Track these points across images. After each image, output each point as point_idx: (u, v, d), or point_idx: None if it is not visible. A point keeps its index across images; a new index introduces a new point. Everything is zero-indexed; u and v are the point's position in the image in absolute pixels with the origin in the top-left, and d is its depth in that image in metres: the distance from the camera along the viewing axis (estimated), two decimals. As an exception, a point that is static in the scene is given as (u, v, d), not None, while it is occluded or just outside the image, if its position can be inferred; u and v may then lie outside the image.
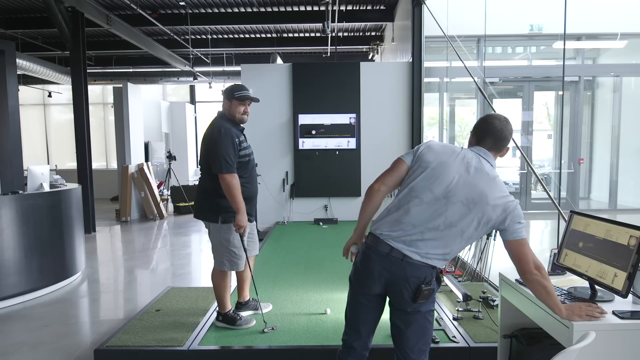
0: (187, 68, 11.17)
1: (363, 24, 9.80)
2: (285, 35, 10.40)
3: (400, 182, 1.94)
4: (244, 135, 3.14)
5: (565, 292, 2.02)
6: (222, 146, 2.91)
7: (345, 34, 10.49)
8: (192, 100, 14.58)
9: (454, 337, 2.97)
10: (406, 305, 1.85)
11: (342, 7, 8.37)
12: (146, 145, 10.43)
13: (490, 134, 1.91)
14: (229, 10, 8.64)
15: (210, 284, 3.25)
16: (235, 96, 3.04)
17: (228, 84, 12.67)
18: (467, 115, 8.87)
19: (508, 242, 1.80)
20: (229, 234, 3.03)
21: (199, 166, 3.14)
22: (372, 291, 1.90)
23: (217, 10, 8.65)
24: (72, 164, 9.36)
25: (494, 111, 4.47)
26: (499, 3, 6.57)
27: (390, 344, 2.88)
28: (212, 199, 3.00)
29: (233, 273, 3.26)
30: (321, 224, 7.28)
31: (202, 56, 11.13)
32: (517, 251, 1.78)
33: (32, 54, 9.73)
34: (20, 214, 4.20)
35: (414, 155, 1.91)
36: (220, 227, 3.02)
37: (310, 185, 7.47)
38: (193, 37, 10.10)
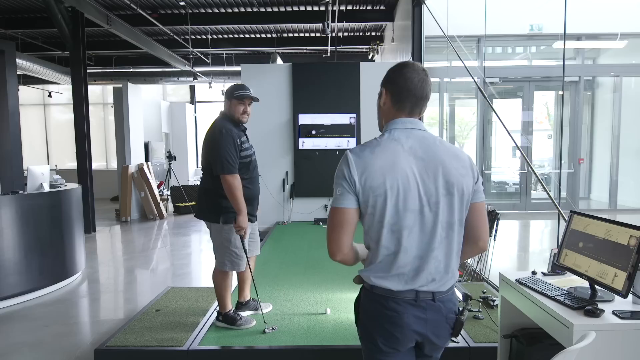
0: (187, 68, 11.17)
1: (363, 24, 9.80)
2: (285, 35, 10.40)
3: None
4: (246, 136, 3.14)
5: (565, 292, 2.02)
6: (223, 147, 2.90)
7: (345, 34, 10.49)
8: (192, 100, 14.58)
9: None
10: (443, 344, 1.55)
11: (342, 7, 8.38)
12: (146, 145, 10.44)
13: (411, 95, 1.50)
14: (229, 10, 8.64)
15: (211, 284, 3.25)
16: (234, 95, 3.03)
17: (228, 84, 12.69)
18: (467, 115, 8.87)
19: (477, 204, 1.51)
20: (230, 234, 3.02)
21: (201, 167, 3.13)
22: (404, 347, 1.50)
23: (217, 10, 8.65)
24: (72, 164, 9.36)
25: (495, 112, 4.47)
26: (499, 3, 6.57)
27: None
28: (214, 199, 3.00)
29: (234, 273, 3.26)
30: (321, 224, 7.28)
31: (202, 56, 11.13)
32: (482, 214, 1.53)
33: (32, 54, 9.73)
34: (20, 214, 4.20)
35: (353, 191, 1.44)
36: (222, 227, 3.02)
37: (310, 185, 7.47)
38: (193, 37, 10.11)
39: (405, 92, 1.50)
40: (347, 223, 1.45)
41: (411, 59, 7.13)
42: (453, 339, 1.58)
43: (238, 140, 2.98)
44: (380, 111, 1.59)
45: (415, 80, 1.50)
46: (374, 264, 1.48)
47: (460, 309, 1.55)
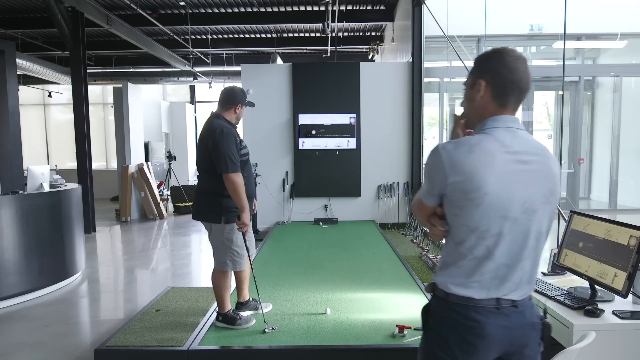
0: (187, 68, 11.17)
1: (363, 24, 9.80)
2: (285, 35, 10.40)
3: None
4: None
5: (565, 292, 2.02)
6: (226, 145, 2.93)
7: (345, 34, 10.49)
8: (192, 100, 14.58)
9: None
10: (533, 354, 1.41)
11: (342, 7, 8.38)
12: (146, 145, 10.44)
13: (516, 88, 1.32)
14: (229, 10, 8.64)
15: (210, 284, 3.25)
16: (247, 102, 3.20)
17: (228, 84, 12.69)
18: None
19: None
20: (231, 233, 3.04)
21: (197, 167, 3.15)
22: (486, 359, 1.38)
23: (217, 10, 8.65)
24: (72, 164, 9.36)
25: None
26: (499, 3, 6.57)
27: (390, 344, 2.89)
28: (214, 199, 3.01)
29: (232, 273, 3.26)
30: (321, 224, 7.28)
31: (202, 56, 11.13)
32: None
33: (32, 54, 9.73)
34: (20, 214, 4.20)
35: (438, 192, 1.35)
36: (223, 227, 3.03)
37: (310, 185, 7.47)
38: (193, 37, 10.11)
39: (509, 85, 1.32)
40: (425, 213, 1.42)
41: (411, 59, 7.13)
42: (542, 347, 1.42)
43: (237, 139, 3.04)
44: (474, 105, 1.39)
45: (521, 70, 1.32)
46: (452, 268, 1.35)
47: (544, 311, 1.44)
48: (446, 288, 1.35)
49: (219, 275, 3.15)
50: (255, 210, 3.44)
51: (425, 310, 1.45)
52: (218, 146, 2.93)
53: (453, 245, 1.36)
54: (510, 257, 1.31)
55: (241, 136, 3.22)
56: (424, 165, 1.39)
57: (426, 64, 7.17)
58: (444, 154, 1.30)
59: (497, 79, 1.32)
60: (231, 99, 3.12)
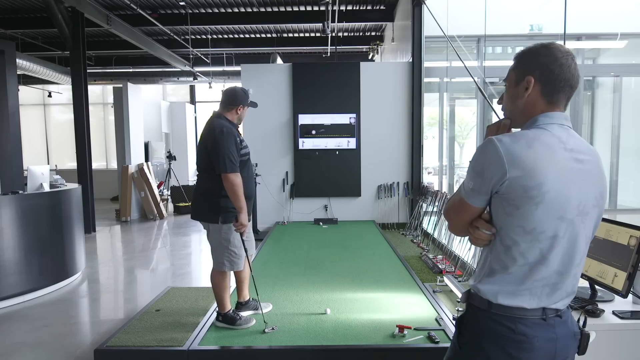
0: (187, 68, 11.17)
1: (363, 24, 9.80)
2: (285, 35, 10.40)
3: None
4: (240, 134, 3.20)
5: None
6: (225, 145, 2.93)
7: (345, 34, 10.49)
8: (192, 100, 14.58)
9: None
10: None
11: (342, 7, 8.38)
12: (146, 145, 10.44)
13: (567, 86, 1.25)
14: (229, 10, 8.64)
15: (210, 284, 3.25)
16: (250, 103, 3.19)
17: (228, 84, 12.69)
18: (467, 115, 8.87)
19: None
20: (229, 234, 3.03)
21: (197, 167, 3.15)
22: None
23: (217, 10, 8.65)
24: (72, 164, 9.37)
25: (495, 112, 4.46)
26: (499, 3, 6.57)
27: (390, 344, 2.89)
28: (212, 199, 3.01)
29: (232, 273, 3.26)
30: (321, 224, 7.28)
31: (202, 56, 11.13)
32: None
33: (32, 54, 9.73)
34: (20, 214, 4.20)
35: (488, 190, 1.23)
36: (221, 227, 3.02)
37: (310, 185, 7.47)
38: (193, 37, 10.11)
39: (561, 82, 1.24)
40: (469, 216, 1.30)
41: (411, 59, 7.13)
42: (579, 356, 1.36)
43: (238, 139, 3.03)
44: (519, 103, 1.30)
45: (572, 67, 1.24)
46: (502, 274, 1.24)
47: (579, 320, 1.37)
48: (493, 298, 1.24)
49: (217, 276, 3.15)
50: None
51: (460, 322, 1.34)
52: (217, 146, 2.93)
53: (503, 249, 1.24)
54: (564, 263, 1.23)
55: (242, 136, 3.23)
56: (469, 162, 1.28)
57: (426, 64, 7.16)
58: (500, 147, 1.18)
59: (548, 76, 1.25)
60: (233, 100, 3.12)
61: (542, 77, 1.25)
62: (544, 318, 1.23)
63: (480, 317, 1.27)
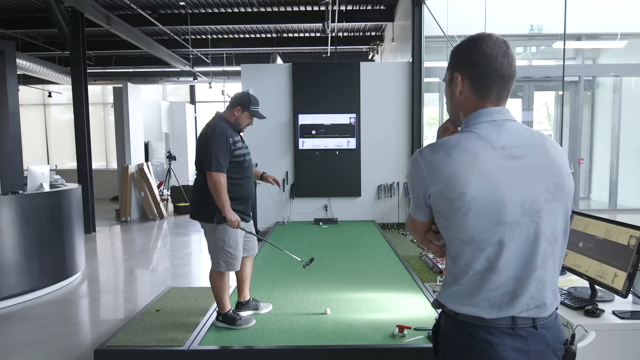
0: (187, 68, 11.17)
1: (363, 24, 9.80)
2: (285, 35, 10.40)
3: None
4: (241, 136, 3.18)
5: (565, 292, 2.02)
6: (215, 145, 2.93)
7: (345, 34, 10.49)
8: (192, 100, 14.58)
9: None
10: None
11: (342, 7, 8.38)
12: (146, 145, 10.43)
13: (497, 76, 1.17)
14: (229, 10, 8.64)
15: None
16: (250, 109, 3.12)
17: (228, 84, 12.69)
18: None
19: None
20: (224, 234, 3.03)
21: (195, 166, 3.15)
22: None
23: (217, 10, 8.65)
24: (72, 164, 9.37)
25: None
26: (499, 3, 6.57)
27: (390, 344, 2.89)
28: (207, 199, 3.00)
29: (232, 273, 3.26)
30: (321, 224, 7.28)
31: (202, 56, 11.13)
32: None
33: (32, 54, 9.73)
34: (20, 214, 4.20)
35: (424, 204, 1.20)
36: (215, 227, 3.03)
37: (310, 185, 7.47)
38: (193, 37, 10.11)
39: (489, 74, 1.16)
40: (420, 230, 1.28)
41: (411, 59, 7.13)
42: None
43: (231, 140, 3.01)
44: (456, 102, 1.25)
45: (499, 56, 1.15)
46: (455, 286, 1.19)
47: (569, 337, 1.25)
48: (456, 307, 1.20)
49: (216, 276, 3.15)
50: (272, 179, 3.42)
51: (435, 331, 1.32)
52: (207, 144, 2.95)
53: (451, 262, 1.21)
54: (520, 268, 1.14)
55: (246, 136, 3.20)
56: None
57: (426, 64, 7.16)
58: (422, 160, 1.16)
59: (474, 69, 1.17)
60: (233, 102, 3.13)
61: (468, 72, 1.19)
62: (512, 327, 1.15)
63: (448, 324, 1.24)
